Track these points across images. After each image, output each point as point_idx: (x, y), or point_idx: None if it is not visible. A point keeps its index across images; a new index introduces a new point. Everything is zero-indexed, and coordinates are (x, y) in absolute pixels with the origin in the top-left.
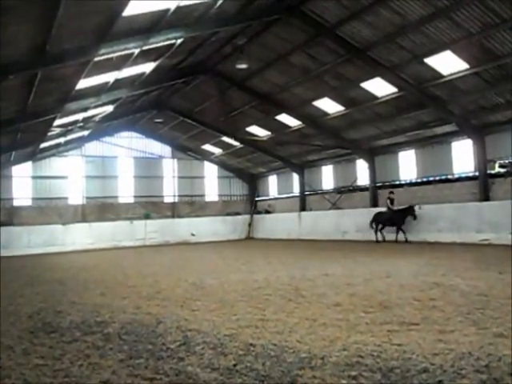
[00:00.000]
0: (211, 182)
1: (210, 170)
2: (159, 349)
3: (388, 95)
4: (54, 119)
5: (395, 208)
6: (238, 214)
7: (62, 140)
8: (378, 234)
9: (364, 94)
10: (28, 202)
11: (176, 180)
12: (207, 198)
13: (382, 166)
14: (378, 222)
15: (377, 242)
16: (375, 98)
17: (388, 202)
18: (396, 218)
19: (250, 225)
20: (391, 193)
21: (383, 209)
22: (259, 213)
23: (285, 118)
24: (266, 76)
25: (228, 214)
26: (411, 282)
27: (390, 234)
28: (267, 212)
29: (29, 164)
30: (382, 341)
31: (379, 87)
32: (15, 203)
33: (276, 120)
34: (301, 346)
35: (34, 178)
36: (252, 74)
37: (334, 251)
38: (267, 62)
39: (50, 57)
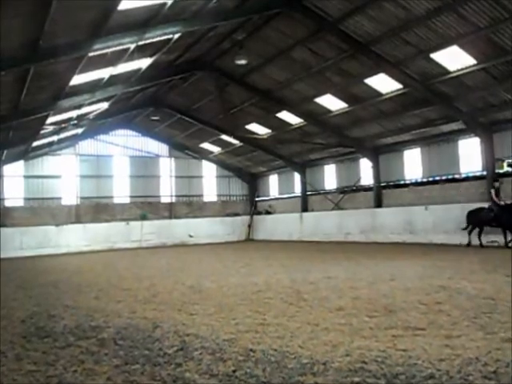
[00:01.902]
0: (210, 181)
1: (209, 170)
2: (156, 354)
3: (393, 92)
4: (46, 117)
5: (502, 202)
6: (237, 214)
7: (55, 138)
8: (472, 236)
9: (368, 91)
10: (20, 203)
11: (173, 179)
12: (205, 199)
13: (387, 165)
14: (477, 222)
15: (468, 245)
16: (379, 94)
17: (493, 193)
18: (506, 216)
19: (249, 226)
20: (496, 181)
21: (476, 205)
22: (259, 213)
23: (286, 116)
24: (266, 72)
25: (227, 215)
26: (416, 285)
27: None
28: (267, 213)
29: (21, 163)
30: (386, 346)
31: (383, 83)
32: (6, 204)
33: (276, 117)
34: (302, 352)
35: (26, 177)
36: (252, 69)
37: (337, 253)
38: (267, 57)
39: (43, 52)
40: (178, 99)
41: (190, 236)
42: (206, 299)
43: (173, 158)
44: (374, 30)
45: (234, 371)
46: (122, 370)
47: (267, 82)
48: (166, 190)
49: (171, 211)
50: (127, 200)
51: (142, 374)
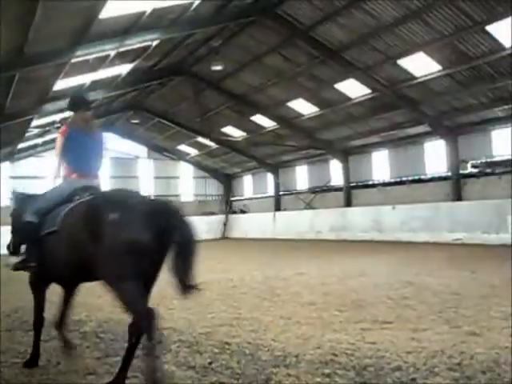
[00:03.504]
0: (187, 182)
1: (186, 170)
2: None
3: (362, 96)
4: (31, 120)
5: None
6: (213, 213)
7: (39, 140)
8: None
9: (338, 95)
10: (6, 203)
11: (152, 180)
12: (183, 198)
13: (356, 166)
14: None
15: None
16: (349, 99)
17: None
18: None
19: (225, 224)
20: None
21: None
22: (234, 212)
23: (260, 119)
24: (241, 77)
25: (203, 214)
26: (384, 281)
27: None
28: (242, 212)
29: (6, 164)
30: (355, 339)
31: (353, 88)
32: None
33: (251, 121)
34: (275, 345)
35: (11, 178)
36: (227, 75)
37: (308, 250)
38: (242, 63)
39: (28, 58)
40: (157, 103)
41: None
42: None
43: (151, 160)
44: (343, 37)
45: (210, 363)
46: (103, 362)
47: (242, 86)
48: (145, 191)
49: None
50: None
51: None
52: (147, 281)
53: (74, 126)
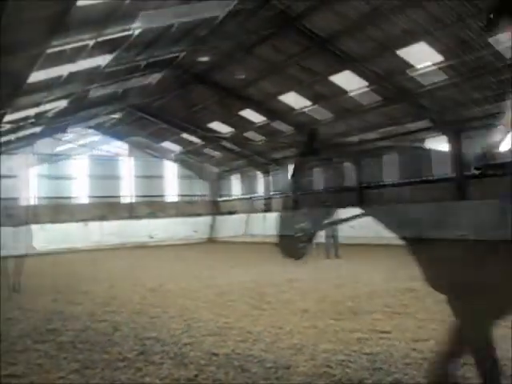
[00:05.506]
0: (171, 181)
1: (170, 170)
2: (116, 358)
3: (359, 88)
4: (3, 115)
5: None
6: (199, 215)
7: (12, 137)
8: None
9: (333, 89)
10: None
11: (133, 180)
12: (167, 199)
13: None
14: None
15: None
16: (344, 92)
17: None
18: None
19: (212, 226)
20: None
21: None
22: (222, 214)
23: (249, 114)
24: (229, 69)
25: (189, 216)
26: (382, 288)
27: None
28: (230, 213)
29: None
30: (351, 350)
31: (349, 81)
32: None
33: (239, 115)
34: (266, 356)
35: None
36: (214, 67)
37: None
38: (230, 53)
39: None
40: (139, 97)
41: (151, 237)
42: (168, 302)
43: (133, 158)
44: (337, 26)
45: (195, 376)
46: (82, 374)
47: (231, 79)
48: (126, 191)
49: (131, 212)
50: (86, 200)
51: (101, 379)
52: None
53: None
